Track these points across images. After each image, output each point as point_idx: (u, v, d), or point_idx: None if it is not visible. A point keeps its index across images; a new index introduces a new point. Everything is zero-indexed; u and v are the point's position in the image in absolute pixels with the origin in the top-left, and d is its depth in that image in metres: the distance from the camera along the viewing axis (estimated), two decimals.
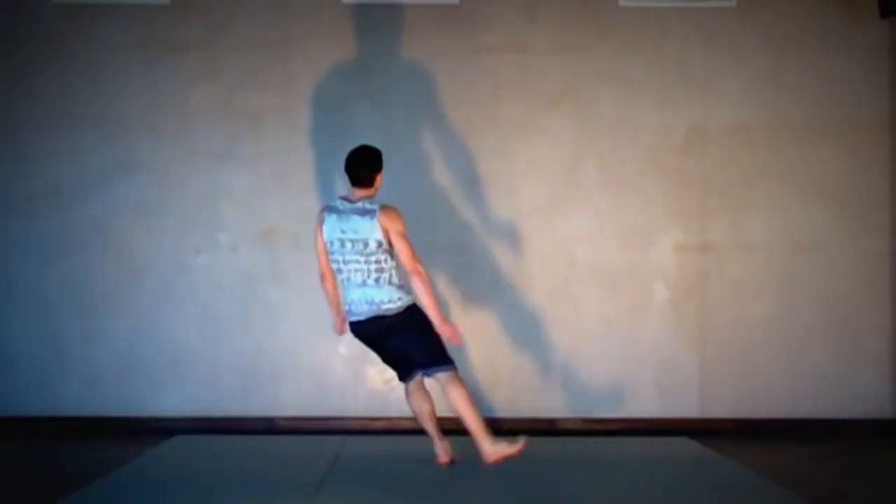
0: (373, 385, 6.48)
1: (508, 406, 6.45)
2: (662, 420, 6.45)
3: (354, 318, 5.14)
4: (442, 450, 5.36)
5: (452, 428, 6.42)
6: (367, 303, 5.08)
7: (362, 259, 5.03)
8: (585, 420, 6.46)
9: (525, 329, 6.49)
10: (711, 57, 6.55)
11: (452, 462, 5.34)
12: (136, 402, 6.42)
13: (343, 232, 5.05)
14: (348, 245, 5.05)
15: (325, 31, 6.54)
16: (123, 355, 6.44)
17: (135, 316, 6.45)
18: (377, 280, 5.05)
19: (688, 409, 6.47)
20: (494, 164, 6.49)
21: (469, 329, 6.46)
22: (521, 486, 4.94)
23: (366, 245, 5.03)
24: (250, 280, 6.48)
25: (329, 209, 5.14)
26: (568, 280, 6.51)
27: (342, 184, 6.41)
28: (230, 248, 6.49)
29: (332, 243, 5.10)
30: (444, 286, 6.46)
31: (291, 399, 6.45)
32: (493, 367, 6.46)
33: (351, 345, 6.47)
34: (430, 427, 5.37)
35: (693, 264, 6.52)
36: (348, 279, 5.09)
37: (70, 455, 5.73)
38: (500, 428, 6.40)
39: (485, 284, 6.49)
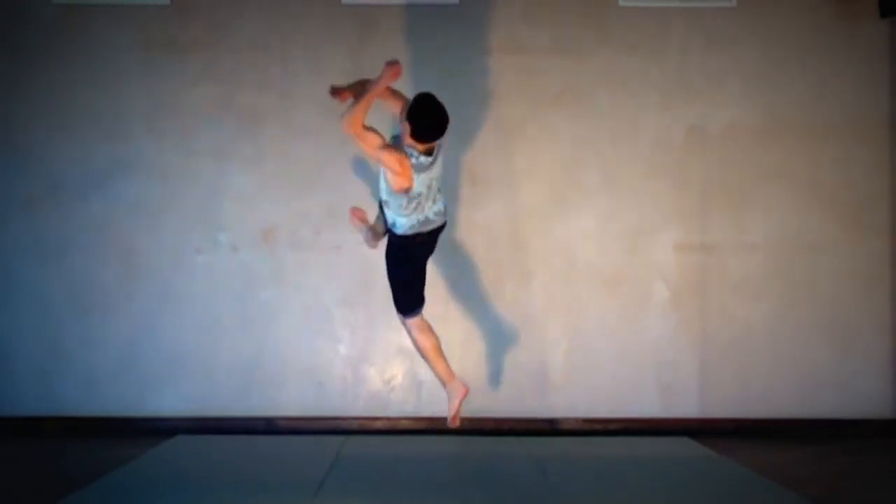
0: (373, 385, 6.49)
1: (508, 406, 6.45)
2: (662, 420, 6.45)
3: (432, 227, 5.10)
4: (457, 385, 5.29)
5: (456, 428, 6.44)
6: (437, 214, 5.09)
7: (436, 188, 5.03)
8: (585, 420, 6.46)
9: (525, 329, 6.49)
10: (711, 57, 6.55)
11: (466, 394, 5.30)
12: (136, 403, 6.42)
13: (430, 180, 4.96)
14: (434, 186, 5.00)
15: (325, 31, 6.54)
16: (123, 355, 6.44)
17: (134, 316, 6.45)
18: (436, 198, 5.08)
19: (688, 409, 6.47)
20: (494, 164, 6.50)
21: (469, 329, 6.47)
22: (522, 486, 4.94)
23: (440, 179, 5.05)
24: (250, 280, 6.49)
25: (416, 167, 4.88)
26: (568, 280, 6.51)
27: (341, 183, 6.43)
28: (230, 248, 6.50)
29: (419, 194, 4.96)
30: (444, 286, 6.46)
31: (291, 399, 6.45)
32: (493, 367, 6.46)
33: (351, 345, 6.49)
34: (442, 362, 5.29)
35: (693, 264, 6.52)
36: (419, 207, 5.01)
37: (70, 455, 5.73)
38: (500, 428, 6.42)
39: (485, 284, 6.49)
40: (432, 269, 6.44)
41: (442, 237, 6.42)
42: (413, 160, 4.85)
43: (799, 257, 6.53)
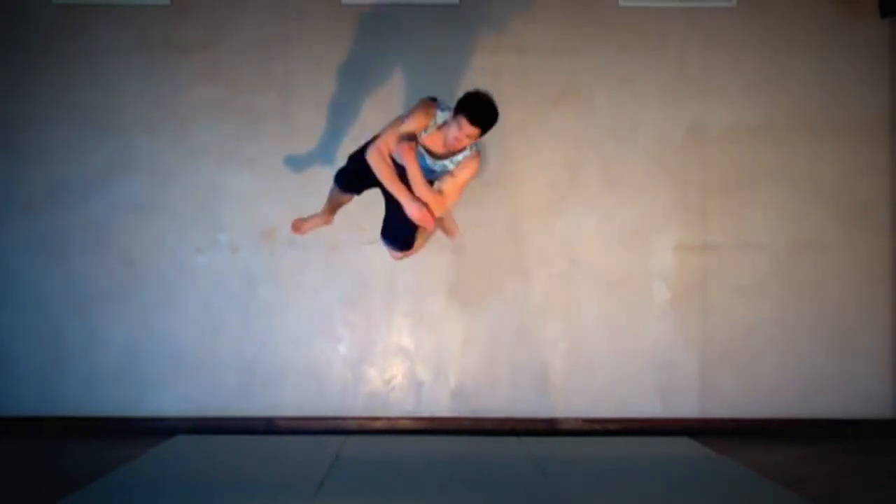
0: (373, 385, 6.49)
1: (508, 406, 6.45)
2: (662, 420, 6.45)
3: None
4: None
5: (456, 428, 6.45)
6: None
7: None
8: (585, 420, 6.46)
9: (525, 329, 6.49)
10: (711, 57, 6.55)
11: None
12: (136, 402, 6.42)
13: None
14: None
15: (325, 31, 6.54)
16: (123, 355, 6.44)
17: (134, 316, 6.45)
18: None
19: (688, 409, 6.47)
20: (494, 164, 6.49)
21: (469, 329, 6.47)
22: (522, 486, 4.93)
23: None
24: (250, 280, 6.49)
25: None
26: (568, 280, 6.51)
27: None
28: (230, 248, 6.50)
29: None
30: (444, 286, 6.46)
31: (291, 399, 6.45)
32: (493, 367, 6.46)
33: (351, 345, 6.50)
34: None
35: (693, 264, 6.52)
36: None
37: (70, 455, 5.73)
38: (500, 428, 6.42)
39: (485, 284, 6.49)
40: (432, 269, 6.47)
41: (442, 237, 6.47)
42: (479, 148, 4.82)
43: (799, 257, 6.53)
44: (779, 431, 6.40)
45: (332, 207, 5.50)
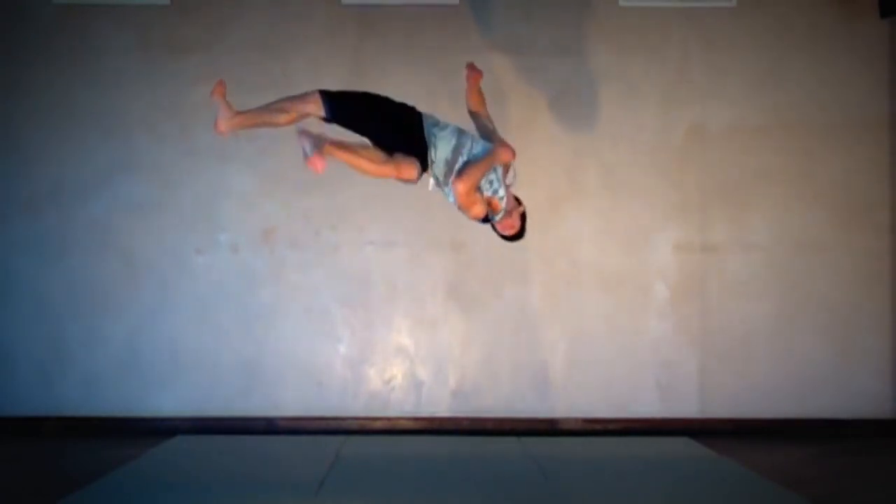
0: (372, 385, 6.49)
1: (508, 406, 6.45)
2: (662, 420, 6.45)
3: None
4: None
5: (455, 428, 6.44)
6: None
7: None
8: (585, 420, 6.46)
9: (525, 329, 6.49)
10: (711, 57, 6.56)
11: None
12: (136, 402, 6.42)
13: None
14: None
15: (324, 31, 6.54)
16: (123, 355, 6.44)
17: (135, 316, 6.45)
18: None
19: (688, 409, 6.47)
20: None
21: (469, 329, 6.47)
22: (522, 486, 4.93)
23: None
24: (250, 280, 6.48)
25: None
26: (568, 280, 6.51)
27: (341, 183, 6.42)
28: (230, 248, 6.50)
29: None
30: (444, 286, 6.46)
31: (291, 399, 6.45)
32: (493, 367, 6.46)
33: (351, 345, 6.49)
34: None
35: (693, 264, 6.52)
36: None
37: (70, 455, 5.73)
38: (500, 428, 6.42)
39: (485, 284, 6.49)
40: (432, 269, 6.46)
41: (442, 237, 6.45)
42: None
43: (799, 257, 6.53)
44: (779, 431, 6.40)
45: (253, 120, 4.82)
